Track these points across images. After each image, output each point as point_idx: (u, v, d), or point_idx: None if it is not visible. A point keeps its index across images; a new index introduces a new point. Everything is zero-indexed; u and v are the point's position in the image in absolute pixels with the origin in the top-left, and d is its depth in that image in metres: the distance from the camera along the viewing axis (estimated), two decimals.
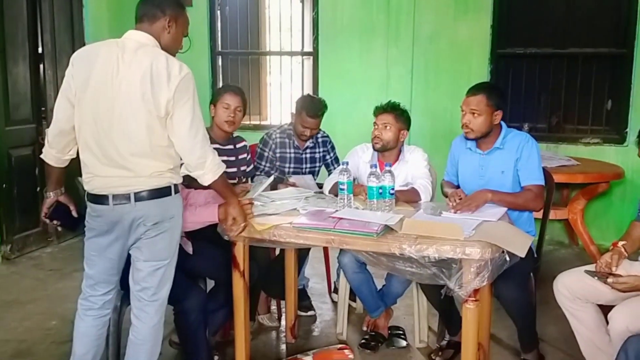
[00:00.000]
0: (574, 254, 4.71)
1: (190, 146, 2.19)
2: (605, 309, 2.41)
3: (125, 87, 2.12)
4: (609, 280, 2.37)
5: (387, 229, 2.33)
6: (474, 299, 2.28)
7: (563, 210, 4.36)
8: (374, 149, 3.08)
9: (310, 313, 3.53)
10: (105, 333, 2.41)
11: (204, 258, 2.57)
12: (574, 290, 2.53)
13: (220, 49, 5.72)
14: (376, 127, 3.04)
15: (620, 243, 2.54)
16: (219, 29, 5.69)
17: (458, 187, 3.05)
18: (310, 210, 2.62)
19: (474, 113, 2.82)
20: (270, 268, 3.14)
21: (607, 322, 2.34)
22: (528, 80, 5.09)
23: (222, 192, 2.37)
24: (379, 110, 3.05)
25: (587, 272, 2.49)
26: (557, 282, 2.59)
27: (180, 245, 2.39)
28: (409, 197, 2.87)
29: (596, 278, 2.44)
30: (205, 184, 2.27)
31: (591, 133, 4.98)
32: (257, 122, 5.86)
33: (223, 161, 2.89)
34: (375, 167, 2.68)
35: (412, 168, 3.07)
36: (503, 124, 2.93)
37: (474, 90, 2.86)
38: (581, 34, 4.94)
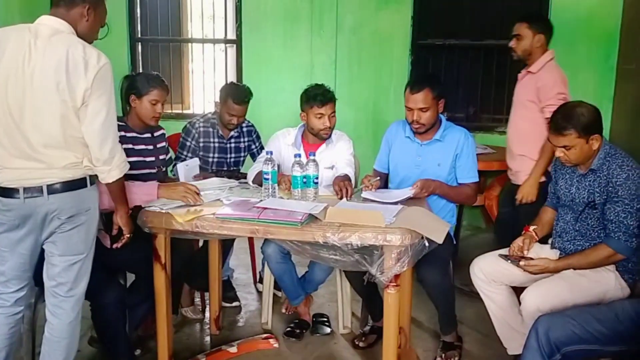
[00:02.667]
0: (490, 238, 4.89)
1: (103, 139, 2.11)
2: (519, 291, 2.53)
3: (38, 75, 2.02)
4: (521, 263, 2.50)
5: (311, 218, 2.35)
6: (394, 284, 2.34)
7: (480, 196, 4.52)
8: (322, 139, 3.05)
9: (235, 304, 3.52)
10: (18, 331, 2.31)
11: (123, 251, 2.49)
12: (489, 273, 2.64)
13: (140, 36, 5.55)
14: (321, 117, 2.99)
15: (532, 228, 2.68)
16: (139, 14, 5.51)
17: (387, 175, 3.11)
18: (234, 200, 2.60)
19: (422, 109, 2.85)
20: (194, 260, 3.09)
21: (520, 303, 2.45)
22: (447, 71, 5.23)
23: (118, 196, 2.29)
24: (324, 101, 2.97)
25: (500, 256, 2.61)
26: (473, 265, 2.70)
27: (97, 238, 2.32)
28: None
29: (509, 261, 2.56)
30: (108, 181, 2.18)
31: (506, 122, 5.16)
32: (180, 111, 5.74)
33: (141, 150, 2.84)
34: (299, 156, 2.68)
35: (338, 153, 3.09)
36: (441, 115, 3.00)
37: (417, 86, 2.85)
38: (497, 27, 5.10)
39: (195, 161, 3.22)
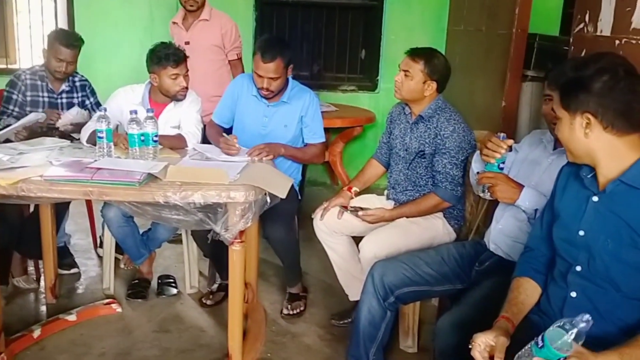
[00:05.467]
0: (334, 192, 5.04)
1: None
2: (358, 241, 2.65)
3: None
4: (360, 213, 2.63)
5: (151, 177, 2.26)
6: (239, 240, 2.34)
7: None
8: (178, 100, 2.90)
9: (73, 271, 3.34)
10: None
11: None
12: (330, 225, 2.75)
13: None
14: (176, 77, 2.82)
15: (353, 189, 2.83)
16: None
17: (228, 131, 3.05)
18: (65, 161, 2.42)
19: (273, 78, 2.82)
20: (24, 227, 2.88)
21: (359, 252, 2.58)
22: (291, 29, 5.25)
23: None
24: (177, 60, 2.81)
25: (340, 207, 2.72)
26: (316, 219, 2.79)
27: None
28: (174, 143, 2.81)
29: (348, 212, 2.68)
30: None
31: (348, 81, 5.35)
32: (4, 66, 5.22)
33: None
34: (136, 112, 2.56)
35: (185, 111, 2.96)
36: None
37: (269, 55, 2.77)
38: None
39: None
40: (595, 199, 1.57)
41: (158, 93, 2.92)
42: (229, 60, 3.84)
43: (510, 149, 2.10)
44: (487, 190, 2.12)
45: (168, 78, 2.83)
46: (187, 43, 3.66)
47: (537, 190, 2.07)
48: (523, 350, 1.40)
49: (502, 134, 2.09)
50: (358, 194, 2.84)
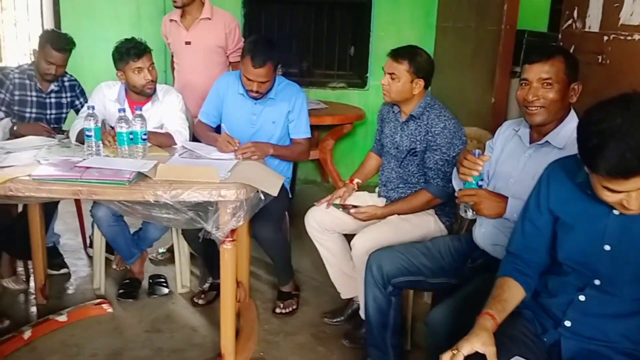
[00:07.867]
0: (325, 190, 5.07)
1: None
2: (350, 239, 2.64)
3: None
4: (352, 211, 2.62)
5: (141, 176, 2.25)
6: (231, 239, 2.33)
7: (314, 151, 4.64)
8: (147, 95, 2.86)
9: (63, 271, 3.31)
10: None
11: None
12: (322, 222, 2.74)
13: None
14: (140, 71, 2.79)
15: (355, 180, 2.83)
16: None
17: (216, 129, 3.03)
18: (54, 160, 2.40)
19: (263, 82, 2.80)
20: (12, 227, 2.84)
21: (351, 249, 2.57)
22: (280, 26, 5.24)
23: None
24: (139, 54, 2.78)
25: (333, 205, 2.72)
26: (307, 216, 2.78)
27: None
28: (162, 141, 2.78)
29: (341, 210, 2.68)
30: None
31: (337, 78, 5.34)
32: None
33: None
34: (124, 111, 2.53)
35: (166, 110, 2.93)
36: None
37: (260, 61, 2.72)
38: None
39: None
40: (616, 212, 1.52)
41: (133, 93, 2.89)
42: (231, 62, 3.59)
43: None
44: (470, 209, 2.06)
45: (132, 73, 2.80)
46: (187, 43, 3.49)
47: (521, 199, 1.95)
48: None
49: (477, 151, 2.01)
50: (360, 186, 2.84)
